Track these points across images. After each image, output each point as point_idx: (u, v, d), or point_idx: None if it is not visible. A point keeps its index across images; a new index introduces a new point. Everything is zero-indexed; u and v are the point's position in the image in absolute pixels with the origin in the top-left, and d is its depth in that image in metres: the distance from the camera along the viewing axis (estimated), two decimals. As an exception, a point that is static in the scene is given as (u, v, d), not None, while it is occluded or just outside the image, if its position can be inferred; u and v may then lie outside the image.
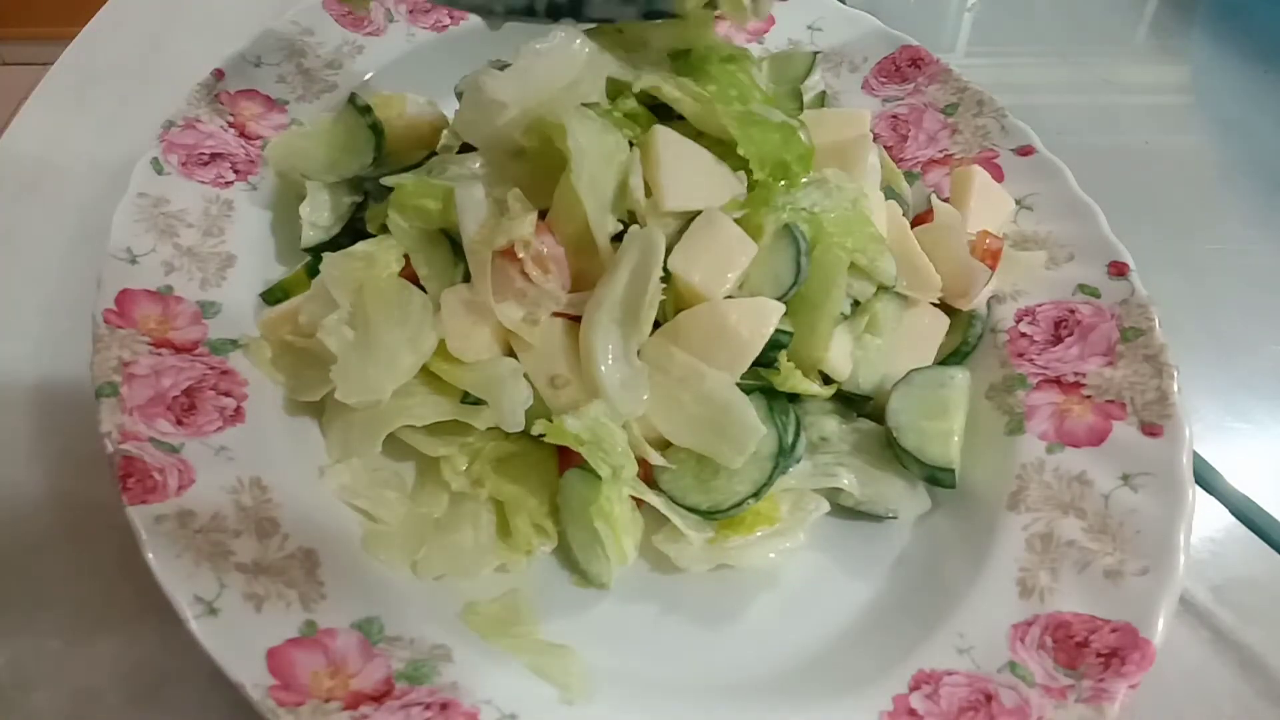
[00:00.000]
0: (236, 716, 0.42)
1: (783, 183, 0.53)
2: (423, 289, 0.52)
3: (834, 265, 0.52)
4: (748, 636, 0.49)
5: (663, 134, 0.52)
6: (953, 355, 0.58)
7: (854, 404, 0.56)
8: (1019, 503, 0.50)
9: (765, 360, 0.50)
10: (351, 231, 0.58)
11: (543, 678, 0.44)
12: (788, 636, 0.49)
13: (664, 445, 0.51)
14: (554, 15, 0.52)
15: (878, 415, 0.54)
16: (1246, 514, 0.53)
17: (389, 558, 0.47)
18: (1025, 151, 0.65)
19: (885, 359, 0.56)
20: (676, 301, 0.51)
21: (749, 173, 0.53)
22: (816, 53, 0.72)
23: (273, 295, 0.56)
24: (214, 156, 0.60)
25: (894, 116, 0.70)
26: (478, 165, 0.53)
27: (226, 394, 0.49)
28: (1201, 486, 0.51)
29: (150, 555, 0.41)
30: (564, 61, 0.51)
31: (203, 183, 0.59)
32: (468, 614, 0.46)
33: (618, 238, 0.51)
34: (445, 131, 0.62)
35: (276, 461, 0.48)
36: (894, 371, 0.55)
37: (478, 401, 0.50)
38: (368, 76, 0.70)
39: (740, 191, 0.53)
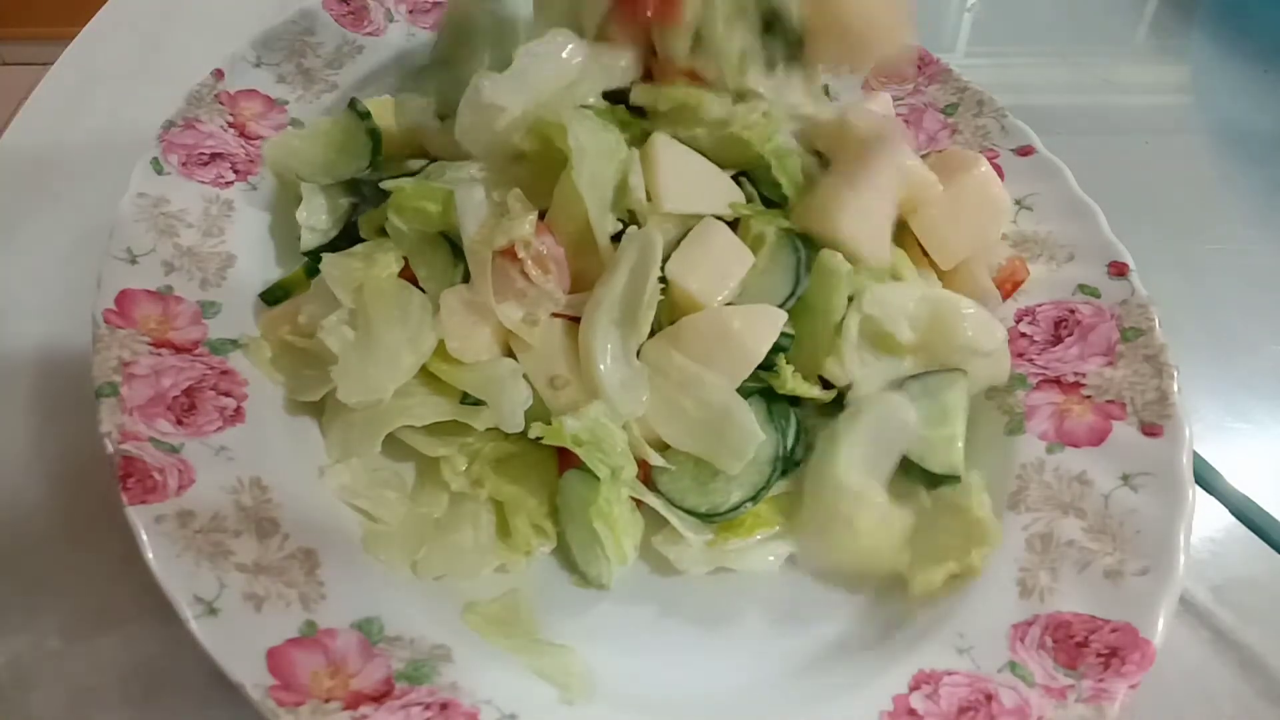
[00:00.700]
0: (236, 717, 0.42)
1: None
2: (422, 290, 0.52)
3: (835, 271, 0.52)
4: (747, 636, 0.49)
5: (662, 139, 0.52)
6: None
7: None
8: (1019, 503, 0.50)
9: (765, 364, 0.50)
10: (350, 234, 0.58)
11: (543, 678, 0.44)
12: (788, 636, 0.49)
13: (663, 446, 0.51)
14: None
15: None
16: (1246, 514, 0.53)
17: (389, 558, 0.47)
18: (1025, 151, 0.65)
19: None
20: (673, 308, 0.51)
21: (750, 180, 0.53)
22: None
23: (272, 295, 0.56)
24: (214, 156, 0.60)
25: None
26: (477, 169, 0.53)
27: (226, 394, 0.49)
28: (1201, 486, 0.51)
29: (150, 555, 0.41)
30: (561, 64, 0.51)
31: (203, 183, 0.59)
32: (468, 614, 0.46)
33: (617, 238, 0.51)
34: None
35: (276, 461, 0.48)
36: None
37: (477, 402, 0.50)
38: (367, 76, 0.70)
39: (739, 197, 0.54)
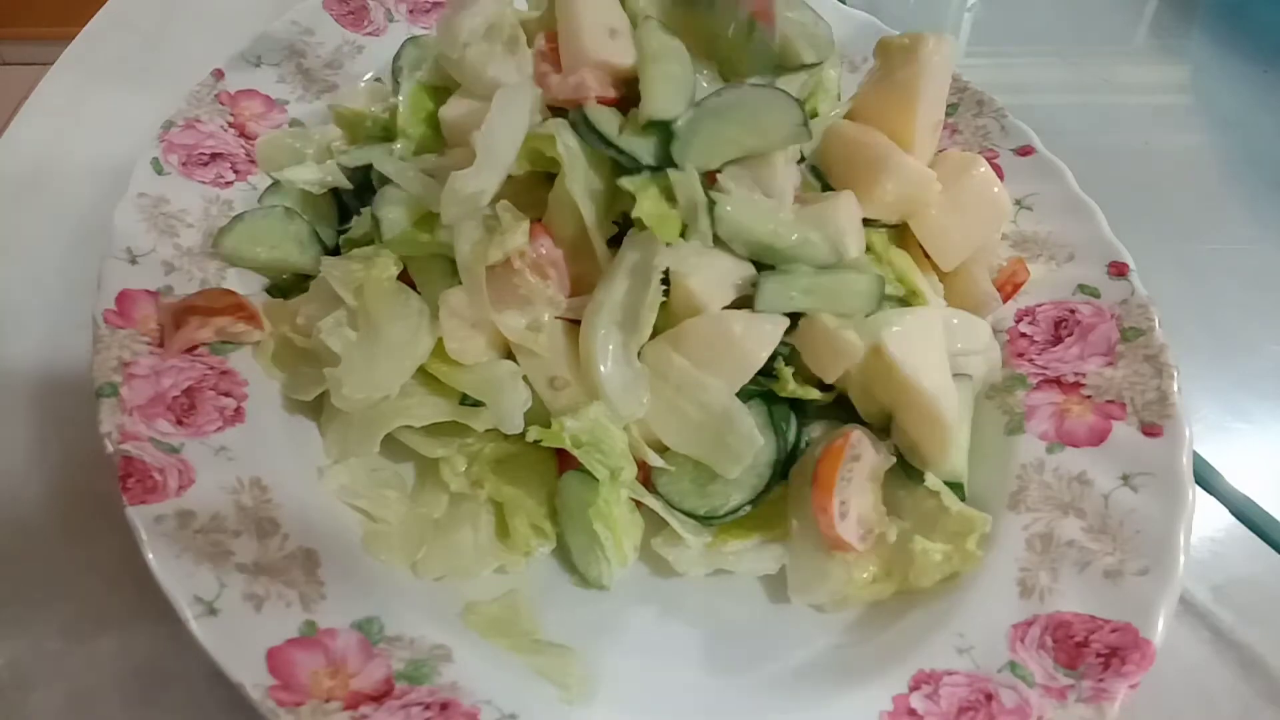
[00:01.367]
0: (236, 717, 0.42)
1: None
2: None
3: None
4: (747, 636, 0.49)
5: None
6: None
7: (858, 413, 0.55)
8: (1019, 503, 0.50)
9: (765, 369, 0.50)
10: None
11: (543, 678, 0.44)
12: (787, 636, 0.49)
13: (663, 448, 0.51)
14: None
15: (882, 420, 0.54)
16: (1246, 514, 0.53)
17: (389, 558, 0.47)
18: (1025, 151, 0.65)
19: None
20: (675, 310, 0.50)
21: None
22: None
23: (274, 295, 0.56)
24: (214, 156, 0.60)
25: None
26: None
27: (226, 394, 0.49)
28: (1201, 486, 0.51)
29: (150, 555, 0.41)
30: (519, 126, 0.49)
31: (203, 183, 0.59)
32: (468, 614, 0.46)
33: (616, 240, 0.51)
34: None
35: (276, 461, 0.48)
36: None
37: (476, 403, 0.50)
38: (367, 76, 0.70)
39: None
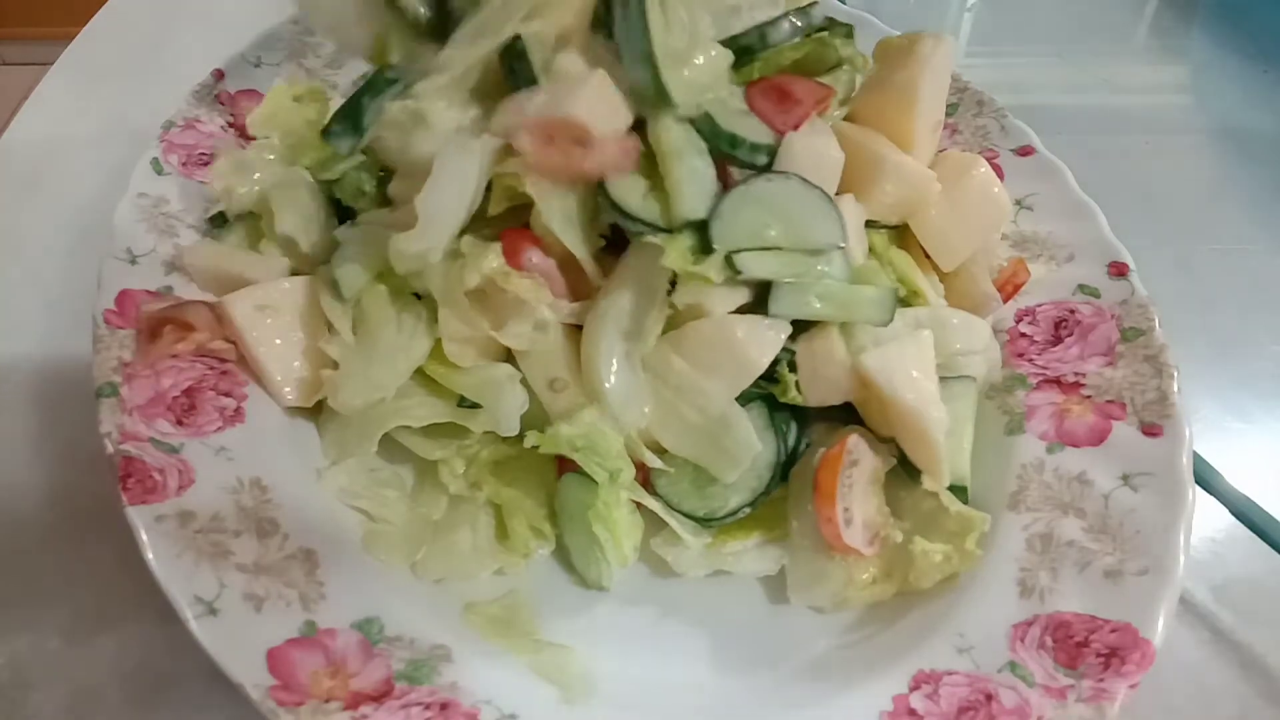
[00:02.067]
0: (236, 716, 0.42)
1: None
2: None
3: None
4: (747, 636, 0.49)
5: None
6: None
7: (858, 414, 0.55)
8: (1019, 503, 0.50)
9: (767, 374, 0.50)
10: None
11: (543, 678, 0.44)
12: (787, 636, 0.49)
13: (661, 450, 0.51)
14: None
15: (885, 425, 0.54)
16: (1246, 514, 0.53)
17: (389, 558, 0.47)
18: (1025, 151, 0.65)
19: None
20: (678, 312, 0.50)
21: None
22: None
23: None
24: (214, 156, 0.60)
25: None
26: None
27: (226, 394, 0.49)
28: (1201, 486, 0.51)
29: (150, 555, 0.41)
30: (465, 192, 0.48)
31: (203, 183, 0.59)
32: (468, 614, 0.46)
33: (615, 244, 0.51)
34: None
35: (276, 461, 0.48)
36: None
37: (475, 405, 0.50)
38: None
39: None
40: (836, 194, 0.53)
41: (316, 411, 0.52)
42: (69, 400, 0.55)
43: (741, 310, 0.49)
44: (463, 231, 0.49)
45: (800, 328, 0.50)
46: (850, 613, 0.50)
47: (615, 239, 0.51)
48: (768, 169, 0.49)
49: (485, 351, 0.50)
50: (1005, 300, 0.58)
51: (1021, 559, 0.47)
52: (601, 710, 0.43)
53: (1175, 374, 0.52)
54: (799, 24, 0.52)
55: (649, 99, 0.48)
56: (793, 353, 0.50)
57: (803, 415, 0.52)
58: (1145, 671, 0.42)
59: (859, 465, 0.49)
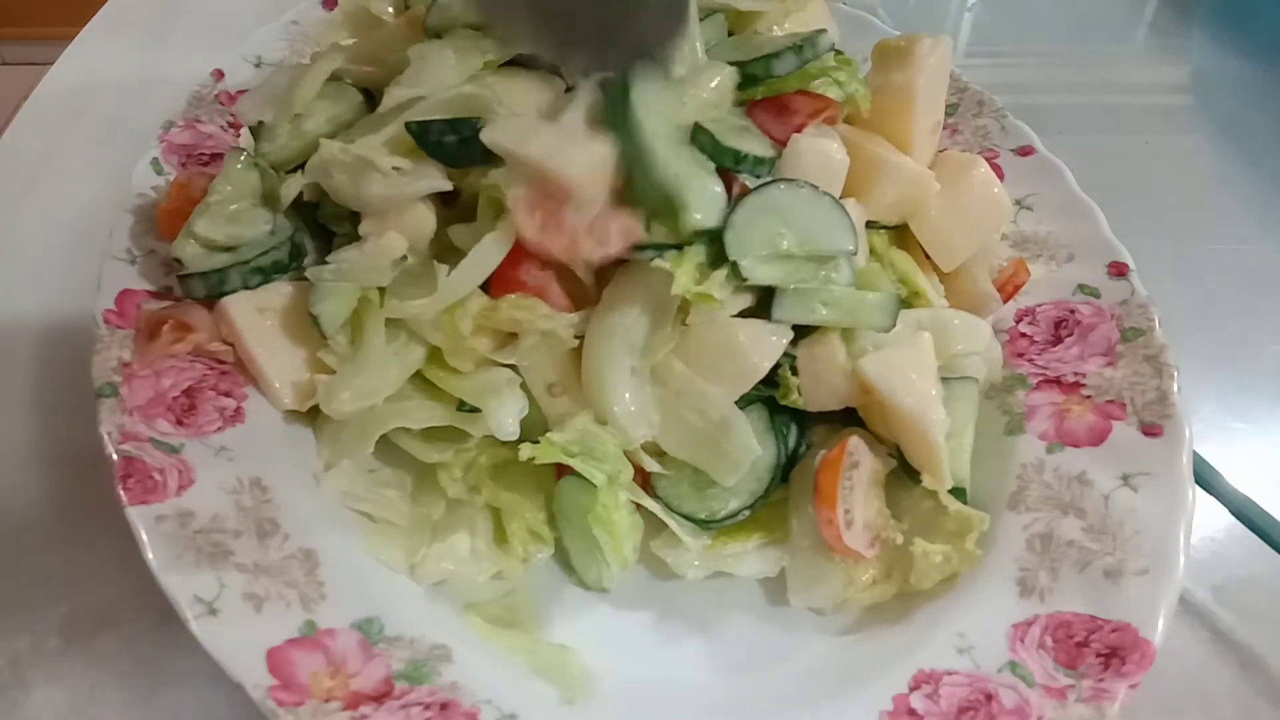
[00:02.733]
0: (236, 717, 0.42)
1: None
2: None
3: None
4: (747, 636, 0.49)
5: None
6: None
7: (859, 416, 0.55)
8: (1019, 503, 0.50)
9: (768, 378, 0.49)
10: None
11: (543, 678, 0.44)
12: (787, 636, 0.49)
13: (660, 452, 0.50)
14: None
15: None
16: (1246, 514, 0.53)
17: (389, 557, 0.47)
18: (1025, 151, 0.65)
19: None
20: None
21: None
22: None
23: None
24: (214, 157, 0.60)
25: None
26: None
27: (226, 394, 0.49)
28: (1201, 486, 0.51)
29: (150, 555, 0.41)
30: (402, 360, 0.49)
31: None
32: (468, 614, 0.46)
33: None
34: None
35: (276, 461, 0.48)
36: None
37: (474, 408, 0.49)
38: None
39: None
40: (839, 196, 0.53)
41: (315, 414, 0.52)
42: (69, 400, 0.55)
43: (744, 314, 0.49)
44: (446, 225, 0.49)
45: (801, 332, 0.50)
46: (850, 613, 0.50)
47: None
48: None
49: (484, 358, 0.50)
50: (1005, 300, 0.58)
51: (1021, 559, 0.47)
52: (601, 710, 0.43)
53: (1175, 374, 0.52)
54: (805, 56, 0.53)
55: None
56: (794, 356, 0.50)
57: (803, 417, 0.52)
58: (1145, 671, 0.42)
59: (859, 467, 0.49)
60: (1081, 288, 0.58)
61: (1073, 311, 0.57)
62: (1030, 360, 0.56)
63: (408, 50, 0.53)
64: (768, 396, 0.51)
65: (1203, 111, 0.90)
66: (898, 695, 0.43)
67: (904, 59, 0.55)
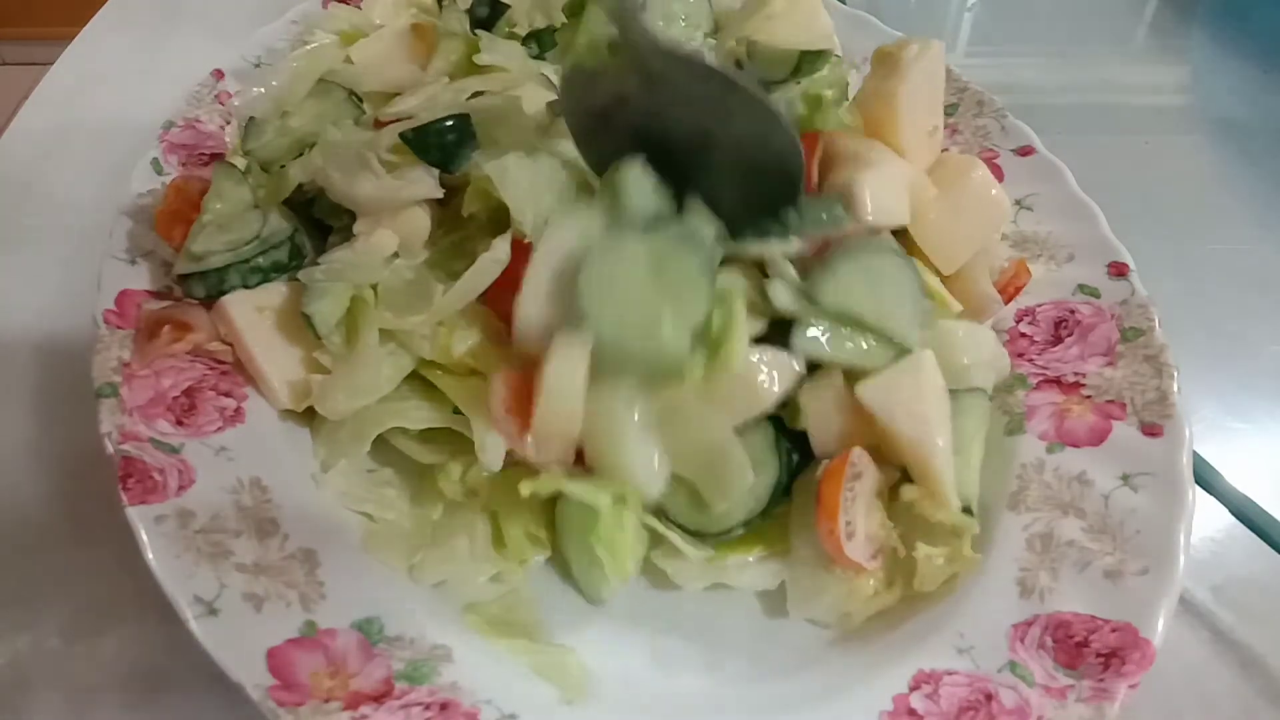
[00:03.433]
0: (236, 717, 0.42)
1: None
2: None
3: None
4: (748, 635, 0.49)
5: None
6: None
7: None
8: (1019, 503, 0.50)
9: None
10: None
11: (543, 678, 0.44)
12: (788, 637, 0.49)
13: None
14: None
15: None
16: (1246, 514, 0.53)
17: (389, 558, 0.47)
18: (1025, 151, 0.65)
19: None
20: None
21: None
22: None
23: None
24: (214, 157, 0.60)
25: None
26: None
27: (226, 394, 0.49)
28: (1201, 486, 0.51)
29: (150, 555, 0.41)
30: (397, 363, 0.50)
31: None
32: (468, 614, 0.46)
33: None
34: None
35: (276, 461, 0.48)
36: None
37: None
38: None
39: None
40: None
41: (313, 414, 0.52)
42: (69, 400, 0.55)
43: (756, 340, 0.47)
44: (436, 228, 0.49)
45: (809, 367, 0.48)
46: (851, 626, 0.49)
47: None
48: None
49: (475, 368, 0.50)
50: (1007, 302, 0.58)
51: (1021, 559, 0.47)
52: (601, 711, 0.43)
53: (1175, 374, 0.52)
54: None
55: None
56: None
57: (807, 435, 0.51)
58: (1145, 671, 0.42)
59: (862, 478, 0.48)
60: (1081, 288, 0.58)
61: (1073, 311, 0.57)
62: (1030, 360, 0.56)
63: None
64: (775, 415, 0.49)
65: (1202, 111, 0.90)
66: (898, 695, 0.43)
67: (893, 64, 0.56)
